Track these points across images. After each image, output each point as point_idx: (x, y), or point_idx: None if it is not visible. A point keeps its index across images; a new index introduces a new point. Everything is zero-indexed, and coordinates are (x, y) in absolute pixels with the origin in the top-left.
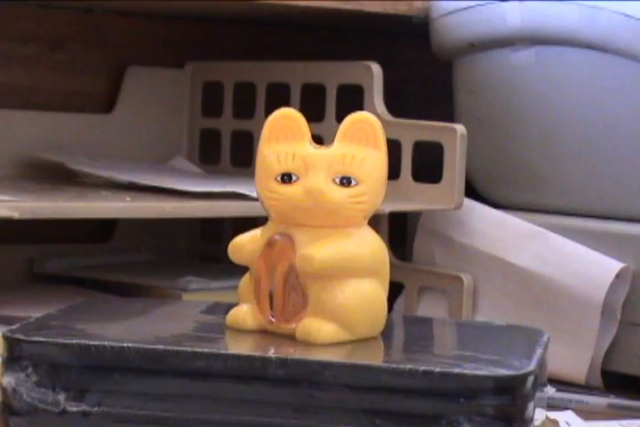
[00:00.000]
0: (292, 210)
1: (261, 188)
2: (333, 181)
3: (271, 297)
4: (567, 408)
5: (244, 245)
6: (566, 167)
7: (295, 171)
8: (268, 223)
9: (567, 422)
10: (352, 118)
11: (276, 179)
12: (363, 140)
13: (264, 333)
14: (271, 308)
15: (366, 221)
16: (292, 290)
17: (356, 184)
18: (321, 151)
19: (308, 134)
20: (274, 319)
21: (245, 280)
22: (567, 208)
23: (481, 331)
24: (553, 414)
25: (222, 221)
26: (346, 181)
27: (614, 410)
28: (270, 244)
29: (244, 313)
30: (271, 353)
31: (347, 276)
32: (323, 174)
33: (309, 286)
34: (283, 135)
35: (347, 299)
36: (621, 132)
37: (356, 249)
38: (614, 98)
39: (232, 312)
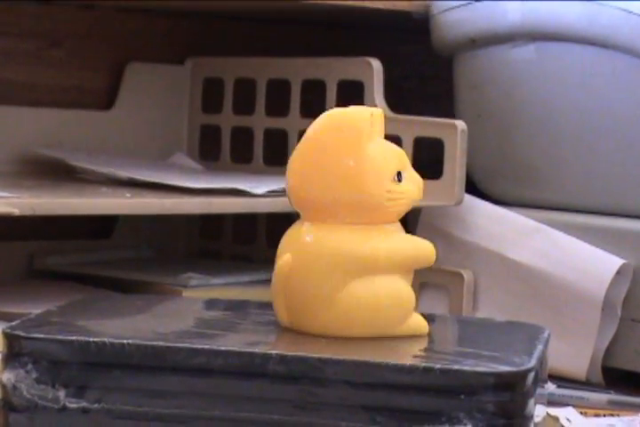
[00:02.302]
0: (408, 207)
1: (377, 190)
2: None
3: None
4: (568, 405)
5: None
6: (567, 163)
7: (401, 168)
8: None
9: (568, 419)
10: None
11: (393, 179)
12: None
13: (269, 329)
14: None
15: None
16: None
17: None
18: (397, 148)
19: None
20: None
21: None
22: (568, 204)
23: (481, 327)
24: (553, 411)
25: (222, 217)
26: (398, 178)
27: (615, 406)
28: None
29: None
30: (271, 349)
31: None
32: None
33: None
34: (374, 133)
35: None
36: (622, 128)
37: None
38: (615, 94)
39: None
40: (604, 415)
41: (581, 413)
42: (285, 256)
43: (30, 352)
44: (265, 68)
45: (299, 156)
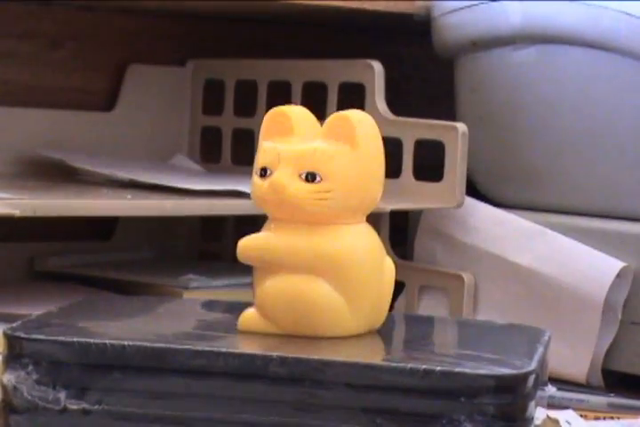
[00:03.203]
0: (264, 203)
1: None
2: (300, 176)
3: None
4: (568, 407)
5: None
6: (567, 166)
7: (270, 165)
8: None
9: (568, 422)
10: (334, 116)
11: (257, 173)
12: (341, 137)
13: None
14: None
15: (359, 219)
16: None
17: (321, 180)
18: (295, 146)
19: (301, 130)
20: None
21: None
22: (568, 207)
23: (482, 330)
24: (554, 413)
25: (223, 219)
26: (310, 177)
27: (615, 409)
28: None
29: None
30: (272, 351)
31: (279, 269)
32: (290, 169)
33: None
34: (275, 132)
35: (265, 290)
36: (623, 131)
37: (285, 243)
38: (616, 96)
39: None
40: (604, 418)
41: (581, 415)
42: (389, 261)
43: (31, 354)
44: (266, 70)
45: None
